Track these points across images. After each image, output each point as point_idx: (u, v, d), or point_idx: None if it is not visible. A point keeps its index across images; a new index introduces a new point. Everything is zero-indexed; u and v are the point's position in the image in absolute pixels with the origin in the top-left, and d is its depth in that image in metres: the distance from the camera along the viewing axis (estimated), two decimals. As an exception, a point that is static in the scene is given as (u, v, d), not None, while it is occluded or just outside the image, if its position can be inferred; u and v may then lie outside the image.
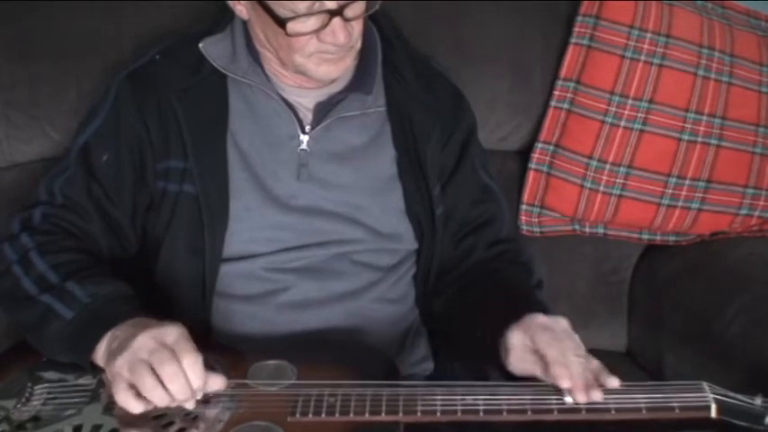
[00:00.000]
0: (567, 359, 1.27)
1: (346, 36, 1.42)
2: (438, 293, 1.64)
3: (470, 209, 1.64)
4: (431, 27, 1.95)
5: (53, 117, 1.82)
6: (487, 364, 1.44)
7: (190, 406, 1.26)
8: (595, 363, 1.30)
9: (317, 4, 1.39)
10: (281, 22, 1.40)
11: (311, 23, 1.41)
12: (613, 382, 1.27)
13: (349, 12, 1.41)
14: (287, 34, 1.41)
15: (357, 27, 1.46)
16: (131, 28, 1.84)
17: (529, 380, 1.32)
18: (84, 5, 1.85)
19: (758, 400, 1.24)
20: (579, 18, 1.96)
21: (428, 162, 1.58)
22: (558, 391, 1.26)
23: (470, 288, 1.58)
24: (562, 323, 1.34)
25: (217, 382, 1.28)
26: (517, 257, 1.65)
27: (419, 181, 1.59)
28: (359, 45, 1.50)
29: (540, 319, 1.34)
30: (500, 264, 1.62)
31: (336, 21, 1.40)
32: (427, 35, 1.92)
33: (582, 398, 1.24)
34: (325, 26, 1.41)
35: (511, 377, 1.36)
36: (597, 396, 1.24)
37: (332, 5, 1.40)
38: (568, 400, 1.25)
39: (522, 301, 1.46)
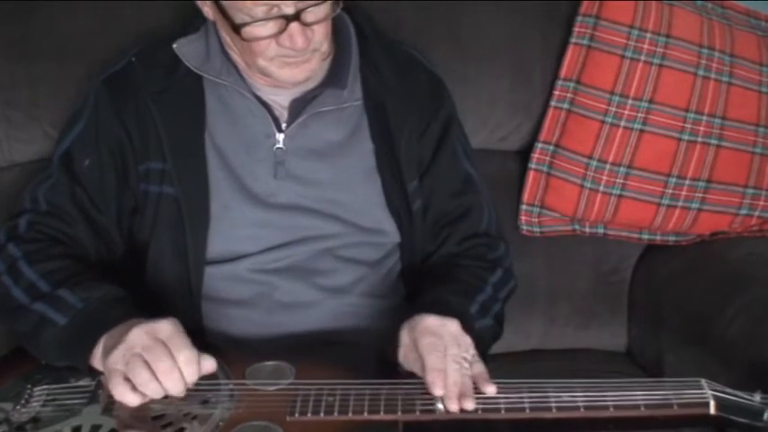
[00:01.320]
0: (445, 366, 1.27)
1: (304, 41, 1.42)
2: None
3: (448, 201, 1.64)
4: (431, 27, 1.95)
5: (53, 117, 1.82)
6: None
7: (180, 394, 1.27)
8: (478, 368, 1.31)
9: (275, 9, 1.39)
10: (237, 28, 1.41)
11: (269, 28, 1.41)
12: (489, 389, 1.27)
13: (308, 16, 1.41)
14: (243, 39, 1.41)
15: (319, 30, 1.45)
16: (131, 28, 1.83)
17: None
18: (84, 5, 1.85)
19: (757, 397, 1.25)
20: (579, 18, 1.96)
21: (402, 155, 1.58)
22: (558, 388, 1.27)
23: (421, 283, 1.59)
24: (450, 327, 1.33)
25: (209, 365, 1.29)
26: (487, 253, 1.64)
27: (395, 174, 1.59)
28: (324, 47, 1.50)
29: (428, 321, 1.34)
30: (461, 260, 1.62)
31: (294, 25, 1.40)
32: (427, 35, 1.92)
33: (454, 406, 1.25)
34: (282, 31, 1.41)
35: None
36: (469, 405, 1.25)
37: (289, 10, 1.39)
38: (439, 407, 1.26)
39: (448, 295, 1.47)
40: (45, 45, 1.82)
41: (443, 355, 1.28)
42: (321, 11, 1.43)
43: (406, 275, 1.65)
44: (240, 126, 1.55)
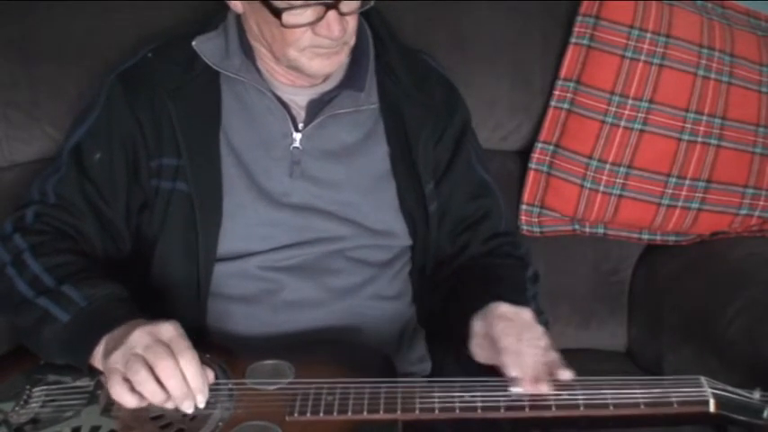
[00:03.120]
0: (520, 349, 1.27)
1: (341, 30, 1.42)
2: (434, 291, 1.65)
3: (466, 205, 1.64)
4: (431, 27, 1.95)
5: (53, 117, 1.82)
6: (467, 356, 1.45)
7: (188, 409, 1.25)
8: (553, 355, 1.30)
9: None
10: (277, 13, 1.41)
11: (307, 15, 1.41)
12: (565, 375, 1.27)
13: (343, 6, 1.41)
14: (282, 25, 1.41)
15: (351, 22, 1.46)
16: (131, 28, 1.83)
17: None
18: (84, 5, 1.85)
19: (756, 394, 1.24)
20: (579, 18, 1.96)
21: (419, 158, 1.59)
22: (558, 386, 1.26)
23: (462, 284, 1.58)
24: (524, 315, 1.34)
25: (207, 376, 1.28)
26: (513, 251, 1.65)
27: (412, 177, 1.59)
28: (353, 41, 1.51)
29: (501, 308, 1.35)
30: (494, 258, 1.62)
31: (332, 14, 1.41)
32: (427, 35, 1.92)
33: (529, 389, 1.25)
34: (320, 19, 1.41)
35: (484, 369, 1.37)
36: (544, 389, 1.24)
37: None
38: (514, 390, 1.26)
39: (504, 293, 1.46)
40: (45, 45, 1.82)
41: (518, 339, 1.29)
42: (354, 3, 1.44)
43: (416, 279, 1.65)
44: (257, 124, 1.55)
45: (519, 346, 1.28)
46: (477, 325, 1.36)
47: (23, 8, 1.82)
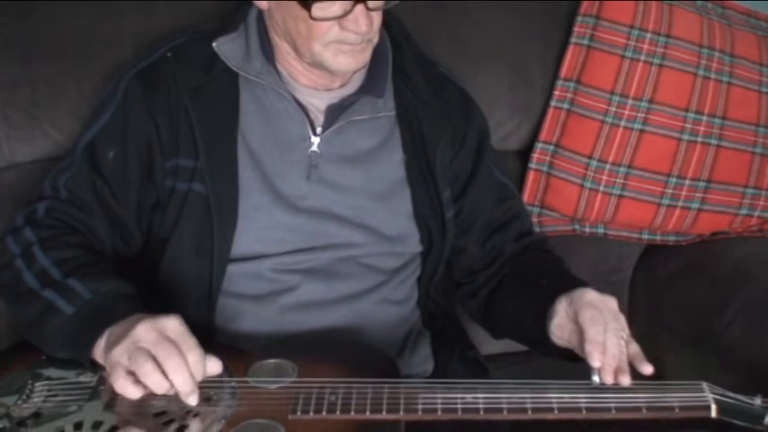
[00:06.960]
0: (605, 339, 1.29)
1: (368, 24, 1.42)
2: (472, 294, 1.68)
3: (494, 209, 1.67)
4: (431, 27, 1.95)
5: (53, 117, 1.81)
6: (539, 350, 1.50)
7: (193, 402, 1.25)
8: (634, 348, 1.32)
9: None
10: (307, 5, 1.41)
11: (335, 9, 1.41)
12: (647, 369, 1.29)
13: (370, 2, 1.42)
14: (311, 17, 1.41)
15: (377, 19, 1.46)
16: (131, 28, 1.83)
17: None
18: (84, 5, 1.84)
19: (758, 400, 1.25)
20: (579, 18, 1.96)
21: (437, 165, 1.59)
22: (560, 388, 1.27)
23: (511, 283, 1.61)
24: (610, 303, 1.35)
25: (214, 366, 1.28)
26: (545, 246, 1.68)
27: (428, 184, 1.59)
28: (376, 39, 1.51)
29: (590, 295, 1.36)
30: (533, 254, 1.65)
31: (360, 8, 1.41)
32: (427, 35, 1.91)
33: (609, 379, 1.26)
34: (348, 13, 1.41)
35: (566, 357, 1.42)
36: (625, 381, 1.26)
37: None
38: (595, 380, 1.27)
39: (569, 281, 1.49)
40: (45, 45, 1.81)
41: (604, 330, 1.30)
42: (381, 1, 1.45)
43: (424, 284, 1.66)
44: (275, 127, 1.55)
45: (604, 338, 1.29)
46: (562, 307, 1.38)
47: (23, 8, 1.81)
